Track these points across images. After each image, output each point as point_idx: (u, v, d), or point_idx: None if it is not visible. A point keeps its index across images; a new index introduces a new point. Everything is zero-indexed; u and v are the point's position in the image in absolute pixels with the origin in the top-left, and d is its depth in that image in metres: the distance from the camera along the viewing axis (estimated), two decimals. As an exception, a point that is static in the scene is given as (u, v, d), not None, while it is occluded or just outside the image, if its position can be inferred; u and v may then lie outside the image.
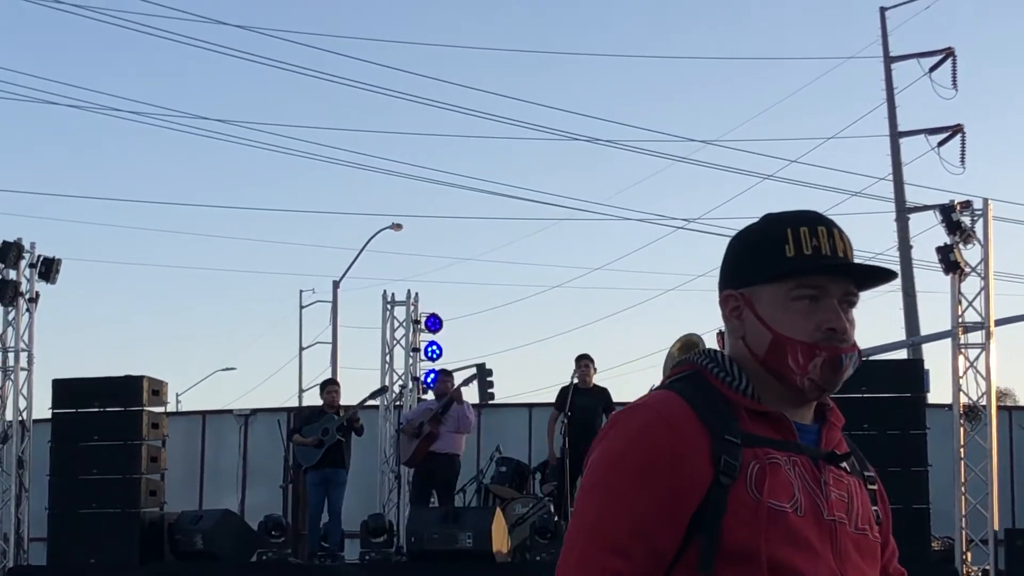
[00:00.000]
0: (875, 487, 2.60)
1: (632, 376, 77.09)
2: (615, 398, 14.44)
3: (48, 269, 14.07)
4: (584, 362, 14.53)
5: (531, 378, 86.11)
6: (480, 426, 18.69)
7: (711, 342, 14.73)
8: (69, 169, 70.44)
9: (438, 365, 16.18)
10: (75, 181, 71.90)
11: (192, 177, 71.13)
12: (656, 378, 14.64)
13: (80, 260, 65.38)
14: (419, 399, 15.88)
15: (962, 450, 12.44)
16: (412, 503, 14.55)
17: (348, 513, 14.89)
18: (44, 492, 13.73)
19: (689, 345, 14.41)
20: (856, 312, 2.51)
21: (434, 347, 16.47)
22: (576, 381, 14.32)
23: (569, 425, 13.86)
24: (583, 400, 14.20)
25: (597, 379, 14.63)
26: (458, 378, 15.17)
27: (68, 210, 79.67)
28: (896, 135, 32.20)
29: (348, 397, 15.32)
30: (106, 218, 78.61)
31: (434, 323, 16.44)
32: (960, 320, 12.61)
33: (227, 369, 62.99)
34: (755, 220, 2.56)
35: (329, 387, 15.35)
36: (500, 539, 13.09)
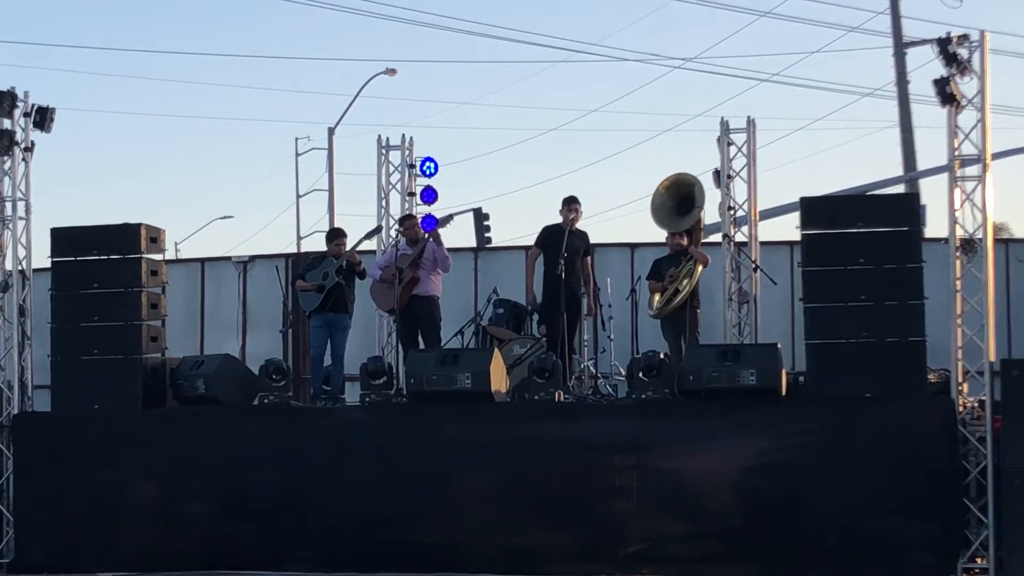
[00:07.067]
0: None
1: (629, 218, 77.20)
2: (612, 240, 14.50)
3: (43, 118, 13.96)
4: (575, 204, 14.77)
5: (528, 221, 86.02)
6: (477, 269, 18.76)
7: (707, 181, 14.81)
8: (62, 18, 69.76)
9: (434, 210, 16.08)
10: (70, 30, 71.23)
11: (187, 24, 70.48)
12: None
13: (76, 110, 64.99)
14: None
15: (958, 283, 12.46)
16: (403, 347, 14.61)
17: (349, 357, 14.99)
18: (46, 341, 13.80)
19: (678, 184, 14.45)
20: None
21: (430, 191, 16.34)
22: (564, 222, 14.68)
23: (565, 267, 14.21)
24: (572, 242, 14.56)
25: (598, 222, 14.90)
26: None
27: (63, 60, 78.87)
28: (894, -32, 31.84)
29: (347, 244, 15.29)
30: (102, 67, 77.94)
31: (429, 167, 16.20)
32: (957, 153, 12.56)
33: (225, 217, 63.14)
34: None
35: (337, 239, 15.26)
36: (499, 379, 13.21)
